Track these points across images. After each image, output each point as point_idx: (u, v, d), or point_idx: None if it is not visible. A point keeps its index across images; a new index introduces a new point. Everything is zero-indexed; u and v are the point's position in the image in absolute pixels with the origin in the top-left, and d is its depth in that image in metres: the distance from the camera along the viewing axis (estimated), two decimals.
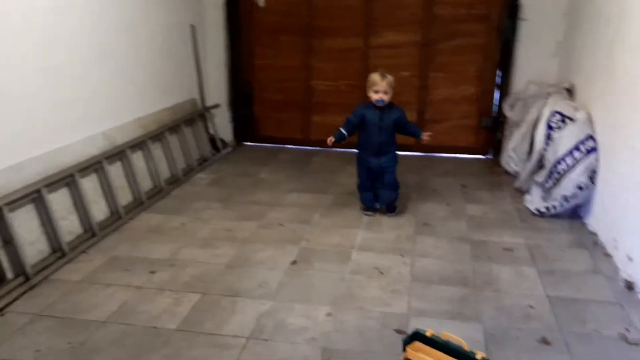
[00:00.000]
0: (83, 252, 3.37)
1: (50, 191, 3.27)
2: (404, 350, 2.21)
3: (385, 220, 3.91)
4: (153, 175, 4.38)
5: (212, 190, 4.58)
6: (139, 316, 2.71)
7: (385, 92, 3.66)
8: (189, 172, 4.86)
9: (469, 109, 5.45)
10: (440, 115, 5.50)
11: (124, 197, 3.98)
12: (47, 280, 3.04)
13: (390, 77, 3.71)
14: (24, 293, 2.89)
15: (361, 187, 4.03)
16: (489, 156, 5.49)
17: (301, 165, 5.25)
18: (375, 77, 3.69)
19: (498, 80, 5.31)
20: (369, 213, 4.00)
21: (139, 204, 4.06)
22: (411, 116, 5.50)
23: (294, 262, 3.28)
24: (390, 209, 4.00)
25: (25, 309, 2.76)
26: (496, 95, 5.35)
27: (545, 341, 2.51)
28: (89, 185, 3.66)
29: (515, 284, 3.03)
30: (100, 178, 3.77)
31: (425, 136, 3.85)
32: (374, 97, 3.69)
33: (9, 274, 2.95)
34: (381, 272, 3.16)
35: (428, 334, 2.23)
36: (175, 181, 4.61)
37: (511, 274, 3.13)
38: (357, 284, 3.03)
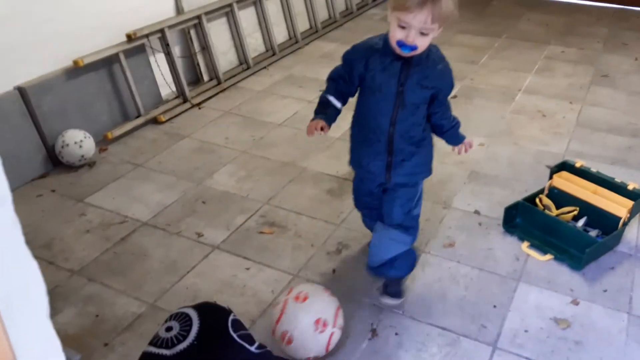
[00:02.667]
0: (264, 68, 3.77)
1: (240, 8, 3.63)
2: (551, 178, 2.26)
3: (560, 67, 3.71)
4: (329, 6, 4.55)
5: (384, 25, 4.60)
6: (308, 123, 3.05)
7: (422, 32, 1.45)
8: (362, 6, 4.94)
9: None
10: None
11: (302, 23, 4.25)
12: (234, 86, 3.52)
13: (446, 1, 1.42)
14: (216, 94, 3.40)
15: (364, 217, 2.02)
16: None
17: (479, 8, 5.02)
18: None
19: None
20: None
21: (315, 32, 4.31)
22: None
23: (453, 97, 3.34)
24: (393, 291, 1.85)
25: (217, 106, 3.27)
26: None
27: None
28: (272, 7, 3.95)
29: None
30: (282, 2, 4.04)
31: (463, 149, 1.78)
32: (397, 35, 1.46)
33: (205, 77, 3.46)
34: (544, 115, 3.10)
35: (578, 164, 2.24)
36: (349, 14, 4.74)
37: None
38: (517, 123, 3.03)
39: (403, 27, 1.44)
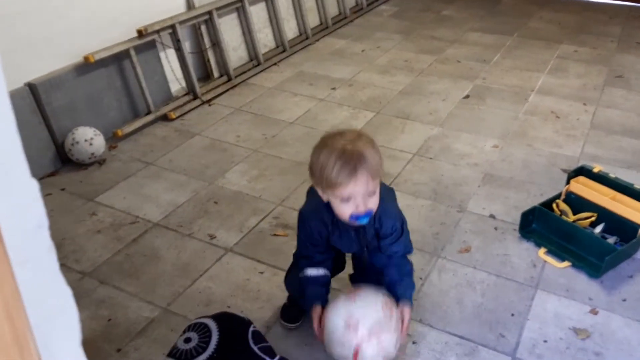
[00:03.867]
0: (275, 64, 3.73)
1: (251, 3, 3.58)
2: (568, 182, 2.23)
3: (574, 67, 3.66)
4: (339, 1, 4.50)
5: (393, 22, 4.60)
6: (320, 122, 3.03)
7: (368, 195, 1.36)
8: (372, 2, 4.89)
9: None
10: None
11: (312, 19, 4.21)
12: (245, 83, 3.48)
13: (369, 152, 1.33)
14: (226, 90, 3.36)
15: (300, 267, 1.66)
16: None
17: (490, 6, 4.96)
18: (337, 164, 1.30)
19: None
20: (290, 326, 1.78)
21: (325, 28, 4.27)
22: None
23: (466, 97, 3.31)
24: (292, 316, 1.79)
25: (228, 103, 3.24)
26: None
27: None
28: (283, 3, 3.91)
29: None
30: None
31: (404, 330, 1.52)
32: (346, 210, 1.37)
33: (216, 73, 3.43)
34: (558, 117, 3.06)
35: (596, 169, 2.21)
36: (359, 10, 4.70)
37: None
38: (530, 124, 3.00)
39: (348, 200, 1.34)
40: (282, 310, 1.80)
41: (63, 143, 2.57)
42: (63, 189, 2.46)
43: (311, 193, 1.53)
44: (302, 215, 1.53)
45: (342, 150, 1.28)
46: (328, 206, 1.42)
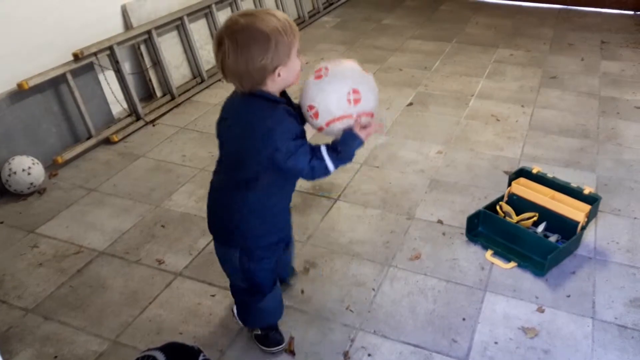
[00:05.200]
0: (219, 80, 3.70)
1: (191, 21, 3.55)
2: (510, 185, 2.30)
3: (510, 70, 3.79)
4: None
5: (336, 33, 4.65)
6: None
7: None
8: (314, 14, 4.93)
9: None
10: None
11: None
12: (189, 101, 3.44)
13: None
14: (170, 109, 3.31)
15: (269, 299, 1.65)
16: (639, 12, 4.92)
17: (428, 13, 5.09)
18: (284, 25, 1.34)
19: None
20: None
21: None
22: None
23: (410, 104, 3.37)
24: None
25: (172, 123, 3.19)
26: None
27: None
28: (224, 18, 3.88)
29: None
30: (233, 12, 3.98)
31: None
32: (298, 64, 1.42)
33: (158, 92, 3.37)
34: (498, 120, 3.16)
35: (534, 170, 2.28)
36: (301, 22, 4.72)
37: (639, 131, 2.99)
38: (472, 128, 3.08)
39: (298, 54, 1.38)
40: (260, 338, 1.72)
41: None
42: (1, 222, 2.36)
43: (258, 117, 1.37)
44: (283, 110, 1.37)
45: (276, 16, 1.32)
46: (279, 101, 1.39)
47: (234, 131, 1.41)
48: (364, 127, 1.41)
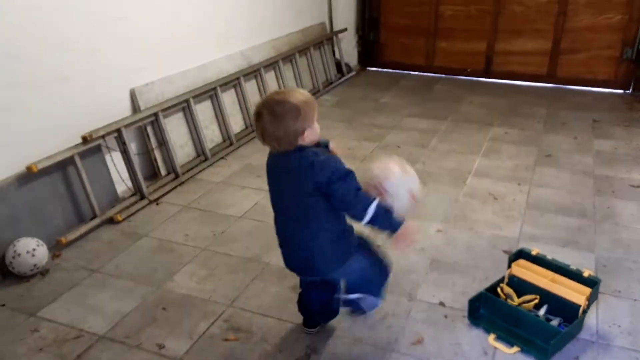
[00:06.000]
0: (222, 158, 3.79)
1: (196, 102, 3.68)
2: (510, 266, 2.33)
3: (506, 148, 3.90)
4: None
5: (336, 111, 4.80)
6: (268, 214, 3.00)
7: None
8: (315, 93, 5.11)
9: (610, 39, 5.05)
10: (579, 45, 5.16)
11: None
12: (193, 179, 3.51)
13: None
14: (174, 188, 3.38)
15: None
16: (628, 91, 5.11)
17: (423, 92, 5.28)
18: (306, 99, 1.75)
19: None
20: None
21: None
22: (545, 46, 5.25)
23: None
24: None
25: (175, 201, 3.24)
26: None
27: None
28: (228, 99, 4.04)
29: (638, 220, 2.95)
30: (237, 93, 4.14)
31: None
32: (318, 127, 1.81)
33: (163, 171, 3.45)
34: (495, 198, 3.22)
35: (534, 252, 2.31)
36: None
37: (635, 210, 3.04)
38: (470, 207, 3.13)
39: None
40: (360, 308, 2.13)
41: (3, 256, 2.49)
42: (3, 305, 2.35)
43: (305, 157, 1.75)
44: (332, 158, 1.79)
45: (301, 92, 1.77)
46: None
47: (283, 177, 1.84)
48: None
